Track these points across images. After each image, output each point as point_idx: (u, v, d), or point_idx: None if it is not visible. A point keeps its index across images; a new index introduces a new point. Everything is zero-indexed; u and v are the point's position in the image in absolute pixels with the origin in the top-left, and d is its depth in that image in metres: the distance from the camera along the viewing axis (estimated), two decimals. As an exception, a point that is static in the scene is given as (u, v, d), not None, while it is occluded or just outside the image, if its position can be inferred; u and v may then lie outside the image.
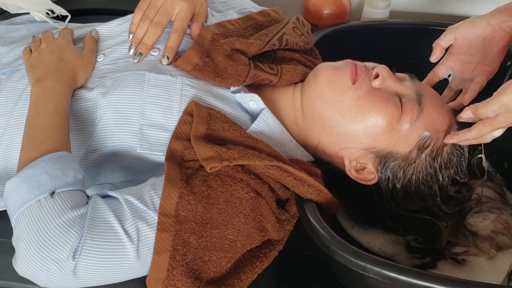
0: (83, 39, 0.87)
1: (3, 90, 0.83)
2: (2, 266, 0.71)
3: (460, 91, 0.88)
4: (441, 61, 0.88)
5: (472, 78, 0.85)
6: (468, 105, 0.74)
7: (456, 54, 0.86)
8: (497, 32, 0.82)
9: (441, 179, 0.78)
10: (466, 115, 0.72)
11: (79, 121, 0.77)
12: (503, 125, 0.68)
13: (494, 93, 0.67)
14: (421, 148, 0.76)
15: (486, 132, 0.70)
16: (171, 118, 0.75)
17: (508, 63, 0.97)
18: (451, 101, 0.87)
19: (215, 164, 0.68)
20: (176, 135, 0.73)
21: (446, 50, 0.87)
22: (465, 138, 0.72)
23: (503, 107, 0.66)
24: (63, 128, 0.72)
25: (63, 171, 0.66)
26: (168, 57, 0.81)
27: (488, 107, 0.68)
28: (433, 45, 0.87)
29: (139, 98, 0.76)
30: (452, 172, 0.79)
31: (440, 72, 0.89)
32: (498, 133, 0.70)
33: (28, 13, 1.02)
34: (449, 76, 0.89)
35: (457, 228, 0.82)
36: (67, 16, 1.00)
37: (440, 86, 0.89)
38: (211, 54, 0.81)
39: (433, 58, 0.87)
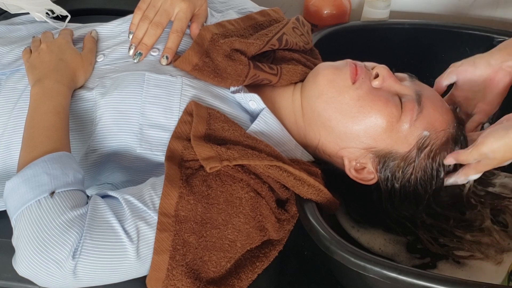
0: (83, 40, 0.87)
1: (3, 90, 0.83)
2: (2, 266, 0.71)
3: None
4: (447, 95, 0.89)
5: (472, 115, 0.86)
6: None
7: (460, 91, 0.87)
8: (497, 73, 0.83)
9: (439, 179, 0.78)
10: (448, 162, 0.76)
11: (79, 121, 0.77)
12: (485, 170, 0.74)
13: (475, 142, 0.72)
14: (420, 147, 0.76)
15: (472, 175, 0.75)
16: (171, 118, 0.75)
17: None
18: None
19: (215, 164, 0.68)
20: (176, 135, 0.73)
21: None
22: (454, 181, 0.78)
23: (482, 155, 0.71)
24: (63, 128, 0.72)
25: (63, 171, 0.66)
26: (167, 57, 0.81)
27: (469, 156, 0.73)
28: (435, 81, 0.88)
29: (139, 98, 0.76)
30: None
31: None
32: (475, 177, 0.76)
33: (28, 13, 1.01)
34: (456, 108, 0.89)
35: (455, 236, 0.83)
36: (67, 16, 1.00)
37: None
38: (210, 54, 0.81)
39: None
